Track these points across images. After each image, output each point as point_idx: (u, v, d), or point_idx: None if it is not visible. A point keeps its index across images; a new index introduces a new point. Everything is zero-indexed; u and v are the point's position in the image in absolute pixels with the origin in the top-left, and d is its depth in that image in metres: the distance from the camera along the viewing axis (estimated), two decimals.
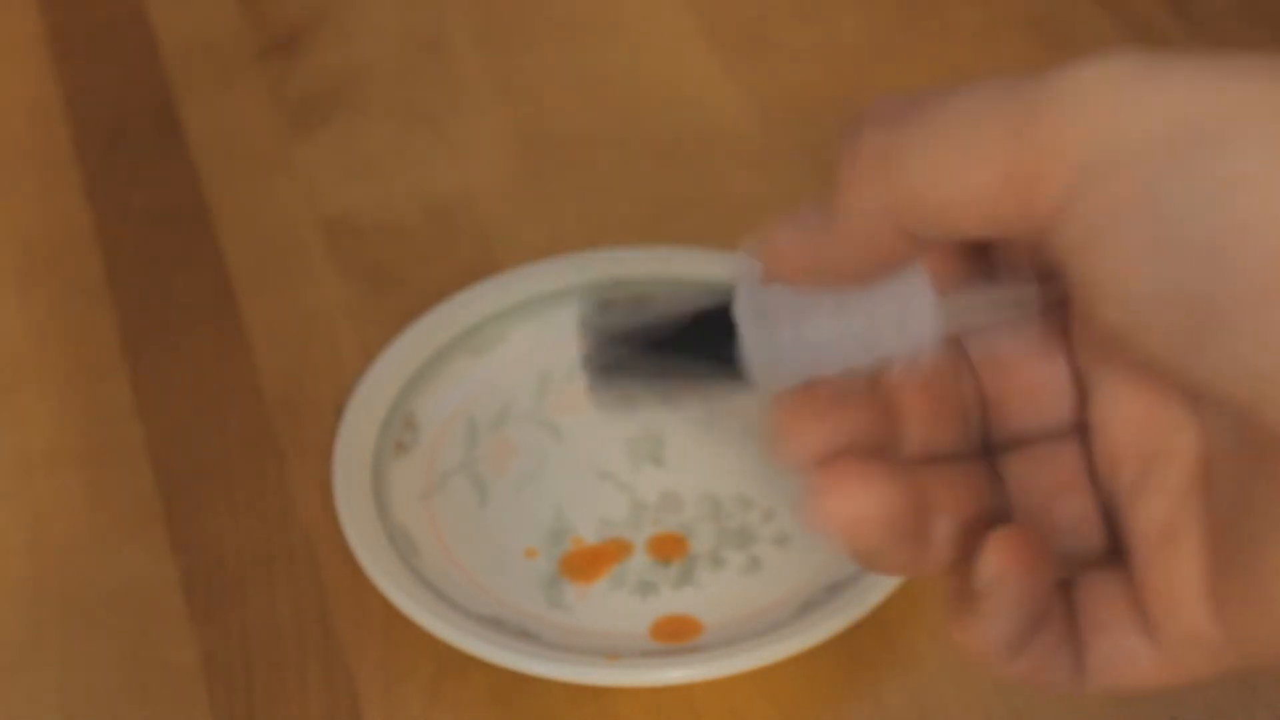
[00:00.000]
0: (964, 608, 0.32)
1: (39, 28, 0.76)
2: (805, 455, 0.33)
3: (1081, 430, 0.34)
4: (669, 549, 0.55)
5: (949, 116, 0.29)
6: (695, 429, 0.58)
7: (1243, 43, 0.72)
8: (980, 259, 0.34)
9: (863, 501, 0.32)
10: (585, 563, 0.55)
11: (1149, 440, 0.32)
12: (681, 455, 0.57)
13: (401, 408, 0.58)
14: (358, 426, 0.57)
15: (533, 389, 0.60)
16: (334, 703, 0.52)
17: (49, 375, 0.62)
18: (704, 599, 0.54)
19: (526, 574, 0.54)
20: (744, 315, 0.34)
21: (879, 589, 0.51)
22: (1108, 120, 0.28)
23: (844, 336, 0.33)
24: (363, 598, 0.53)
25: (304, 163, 0.69)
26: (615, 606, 0.54)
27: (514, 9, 0.76)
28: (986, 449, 0.35)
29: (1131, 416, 0.32)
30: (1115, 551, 0.33)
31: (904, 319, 0.33)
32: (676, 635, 0.53)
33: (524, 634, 0.52)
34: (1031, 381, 0.34)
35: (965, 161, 0.29)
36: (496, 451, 0.58)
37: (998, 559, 0.32)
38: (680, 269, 0.60)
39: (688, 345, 0.35)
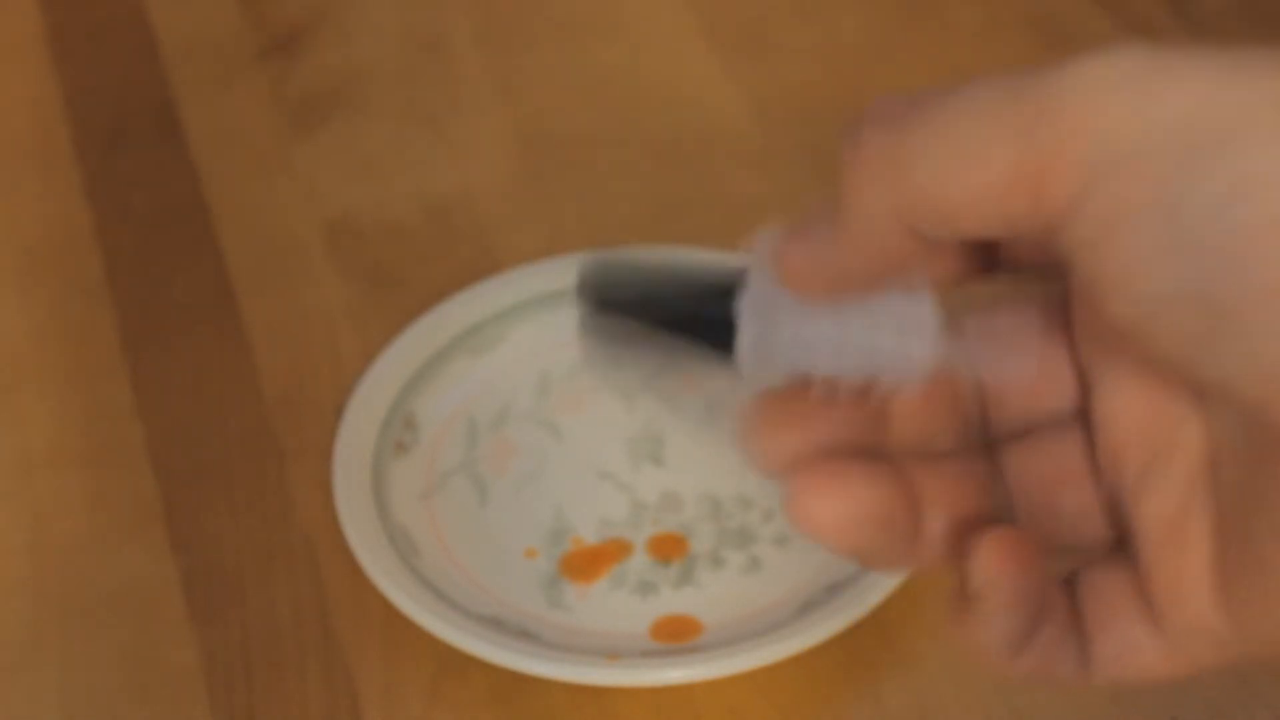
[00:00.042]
0: (964, 607, 0.32)
1: (39, 28, 0.76)
2: (776, 460, 0.33)
3: (1082, 420, 0.34)
4: (669, 549, 0.55)
5: (953, 115, 0.29)
6: (695, 429, 0.58)
7: (1243, 42, 0.72)
8: (986, 255, 0.34)
9: (839, 503, 0.32)
10: (585, 563, 0.55)
11: (1154, 434, 0.32)
12: (681, 455, 0.57)
13: (401, 408, 0.58)
14: (358, 426, 0.57)
15: (533, 389, 0.60)
16: (334, 703, 0.52)
17: (49, 375, 0.62)
18: (704, 599, 0.54)
19: (526, 574, 0.54)
20: (748, 304, 0.34)
21: (879, 589, 0.51)
22: (1117, 117, 0.27)
23: (842, 344, 0.33)
24: (363, 598, 0.53)
25: (304, 163, 0.69)
26: (615, 606, 0.54)
27: (514, 9, 0.76)
28: (986, 442, 0.35)
29: (1136, 410, 0.32)
30: (1119, 543, 0.33)
31: (903, 339, 0.33)
32: (676, 635, 0.52)
33: (524, 634, 0.52)
34: (1031, 369, 0.34)
35: (972, 161, 0.29)
36: (496, 451, 0.58)
37: (989, 561, 0.32)
38: None
39: (685, 320, 0.35)
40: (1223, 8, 0.73)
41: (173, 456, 0.59)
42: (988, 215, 0.29)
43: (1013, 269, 0.34)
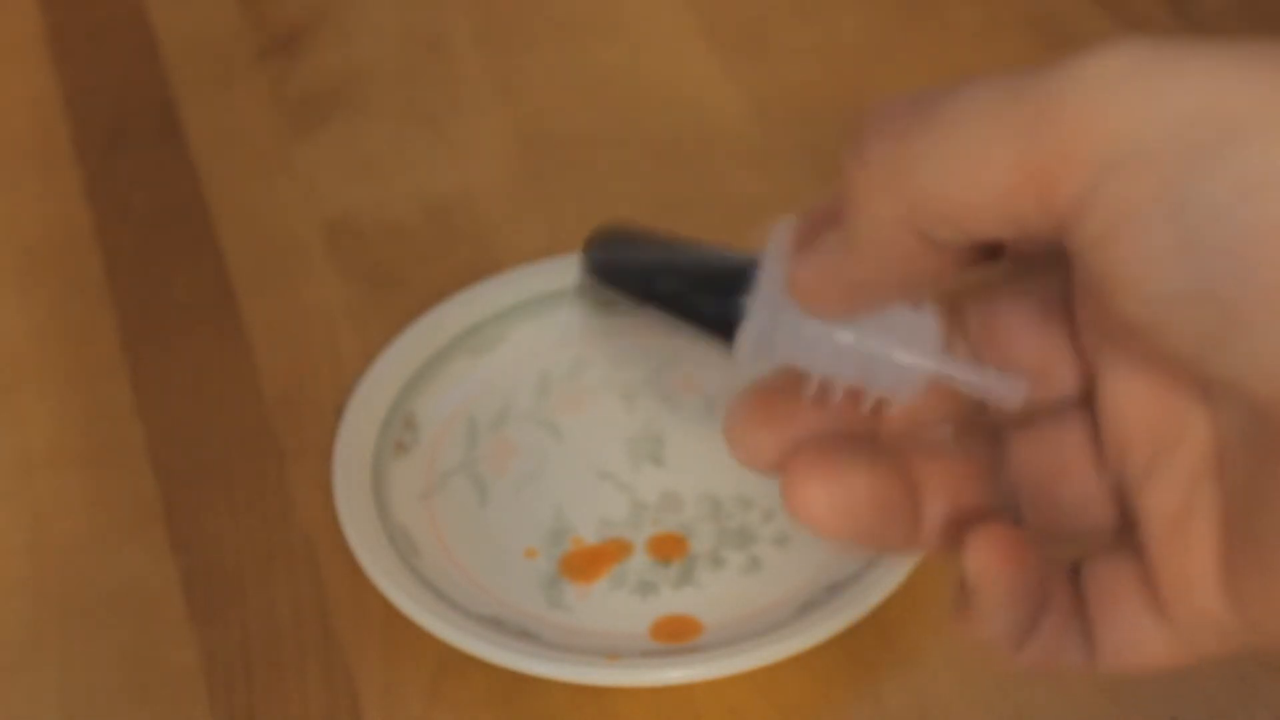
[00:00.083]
0: (966, 601, 0.32)
1: (39, 28, 0.76)
2: (762, 453, 0.33)
3: (1086, 406, 0.34)
4: (669, 549, 0.55)
5: (957, 117, 0.29)
6: (695, 429, 0.58)
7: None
8: (992, 250, 0.34)
9: (834, 490, 0.32)
10: (585, 563, 0.55)
11: (1159, 426, 0.32)
12: (681, 455, 0.57)
13: (401, 408, 0.58)
14: (358, 426, 0.57)
15: (533, 389, 0.60)
16: (334, 703, 0.52)
17: (49, 375, 0.62)
18: (704, 599, 0.54)
19: (526, 574, 0.54)
20: (756, 296, 0.33)
21: (879, 589, 0.51)
22: (1120, 116, 0.27)
23: (842, 348, 0.33)
24: (363, 598, 0.53)
25: (304, 163, 0.69)
26: (615, 606, 0.54)
27: (514, 9, 0.76)
28: (990, 429, 0.35)
29: (1141, 402, 0.32)
30: (1123, 531, 0.33)
31: (904, 351, 0.33)
32: (676, 635, 0.52)
33: (524, 634, 0.52)
34: (1032, 356, 0.34)
35: (979, 163, 0.28)
36: (496, 451, 0.58)
37: (980, 557, 0.32)
38: None
39: (686, 301, 0.35)
40: (1222, 7, 0.73)
41: (173, 456, 0.59)
42: (996, 217, 0.29)
43: (1015, 258, 0.34)
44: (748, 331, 0.33)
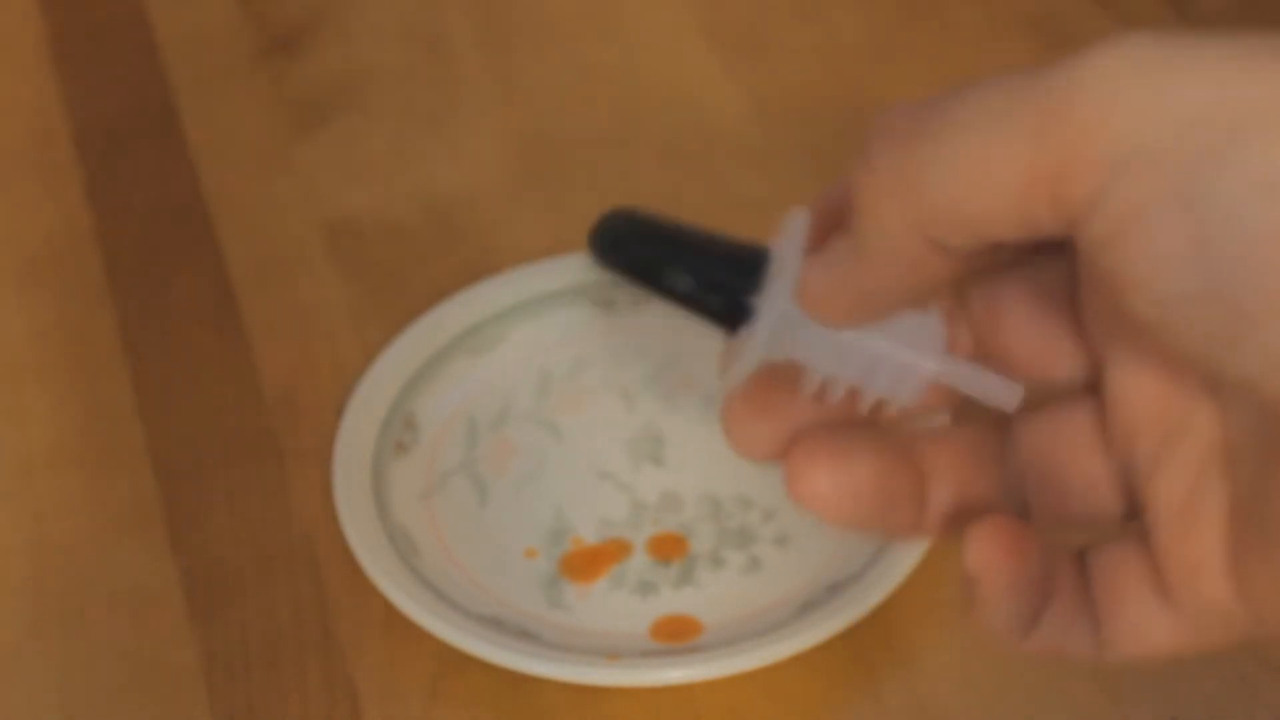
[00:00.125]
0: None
1: (39, 28, 0.76)
2: (758, 446, 0.33)
3: (1092, 392, 0.34)
4: (669, 549, 0.55)
5: (963, 122, 0.29)
6: (695, 429, 0.58)
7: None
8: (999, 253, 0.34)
9: (838, 475, 0.32)
10: (585, 563, 0.55)
11: (1166, 415, 0.32)
12: (681, 455, 0.57)
13: (401, 408, 0.58)
14: (358, 426, 0.57)
15: (533, 389, 0.60)
16: (334, 703, 0.52)
17: (49, 375, 0.62)
18: (704, 599, 0.54)
19: (526, 574, 0.54)
20: (766, 289, 0.33)
21: (880, 588, 0.51)
22: (1128, 114, 0.27)
23: (846, 347, 0.33)
24: (363, 598, 0.53)
25: (304, 163, 0.69)
26: (615, 606, 0.54)
27: (514, 9, 0.76)
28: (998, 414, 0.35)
29: (1148, 391, 0.32)
30: (1130, 516, 0.33)
31: (908, 355, 0.33)
32: (676, 635, 0.52)
33: (524, 634, 0.52)
34: (1036, 341, 0.34)
35: (988, 167, 0.28)
36: (496, 451, 0.58)
37: (980, 550, 0.32)
38: None
39: (698, 281, 0.35)
40: (1223, 7, 0.73)
41: (173, 456, 0.59)
42: (1008, 220, 0.29)
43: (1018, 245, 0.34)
44: (755, 329, 0.34)
